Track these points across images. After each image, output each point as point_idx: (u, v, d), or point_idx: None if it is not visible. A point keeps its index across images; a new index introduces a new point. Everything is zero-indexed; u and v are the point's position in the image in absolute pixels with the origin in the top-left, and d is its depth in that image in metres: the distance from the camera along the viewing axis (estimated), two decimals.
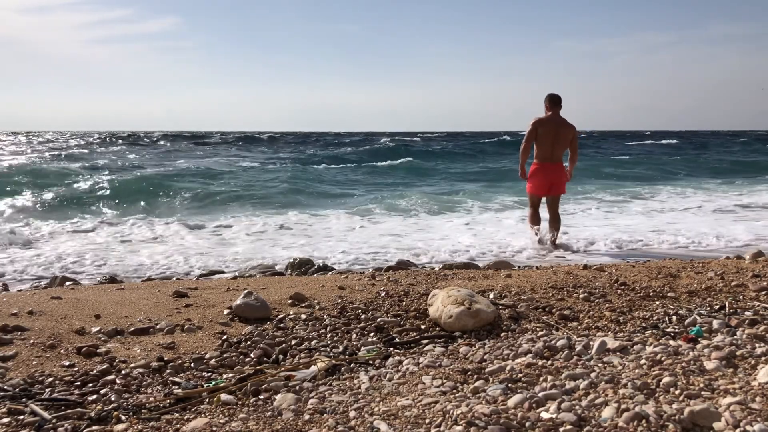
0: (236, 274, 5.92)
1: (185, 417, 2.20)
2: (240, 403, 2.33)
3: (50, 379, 2.55)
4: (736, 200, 12.96)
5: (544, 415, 1.90)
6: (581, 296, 3.71)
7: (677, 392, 2.02)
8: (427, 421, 1.97)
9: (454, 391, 2.26)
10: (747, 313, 3.17)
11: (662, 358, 2.35)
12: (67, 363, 2.72)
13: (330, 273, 5.65)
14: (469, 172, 21.58)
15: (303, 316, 3.45)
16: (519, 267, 5.67)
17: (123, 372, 2.64)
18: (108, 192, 14.23)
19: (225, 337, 3.13)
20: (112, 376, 2.58)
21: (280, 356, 2.89)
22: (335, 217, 10.75)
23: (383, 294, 3.89)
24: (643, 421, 1.80)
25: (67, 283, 5.26)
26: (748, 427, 1.72)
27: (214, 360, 2.83)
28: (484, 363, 2.57)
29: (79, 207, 12.38)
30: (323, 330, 3.24)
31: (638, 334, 2.88)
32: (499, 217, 10.67)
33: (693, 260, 5.16)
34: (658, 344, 2.60)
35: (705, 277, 4.08)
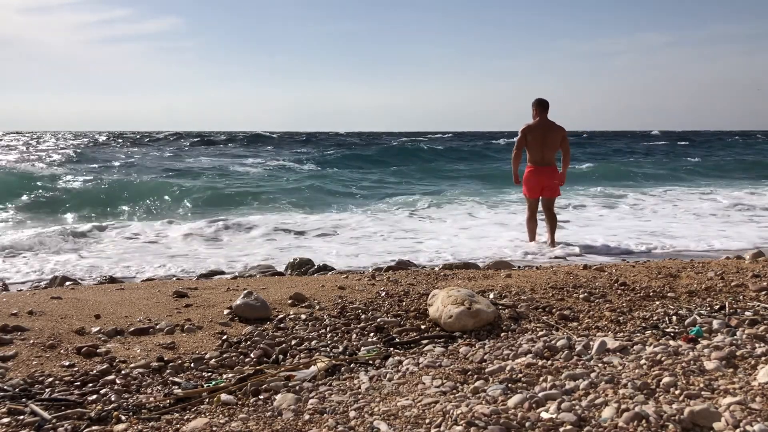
0: (236, 274, 5.92)
1: (185, 417, 2.20)
2: (240, 403, 2.33)
3: (50, 379, 2.55)
4: None
5: (544, 415, 1.90)
6: (581, 296, 3.71)
7: (677, 392, 2.02)
8: (427, 421, 1.97)
9: (454, 391, 2.26)
10: (747, 313, 3.17)
11: (662, 358, 2.35)
12: (67, 363, 2.72)
13: (330, 273, 5.65)
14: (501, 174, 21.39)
15: (303, 316, 3.45)
16: (519, 267, 5.67)
17: (123, 372, 2.64)
18: (180, 192, 14.14)
19: (225, 337, 3.13)
20: (112, 376, 2.58)
21: (280, 356, 2.89)
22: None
23: (383, 294, 3.89)
24: (643, 421, 1.80)
25: (67, 283, 5.26)
26: (748, 427, 1.72)
27: (214, 360, 2.83)
28: (484, 363, 2.57)
29: (172, 209, 12.47)
30: (323, 330, 3.24)
31: (638, 334, 2.88)
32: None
33: (693, 260, 5.16)
34: (658, 344, 2.60)
35: (705, 277, 4.08)
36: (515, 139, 7.53)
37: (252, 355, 2.90)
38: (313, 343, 3.06)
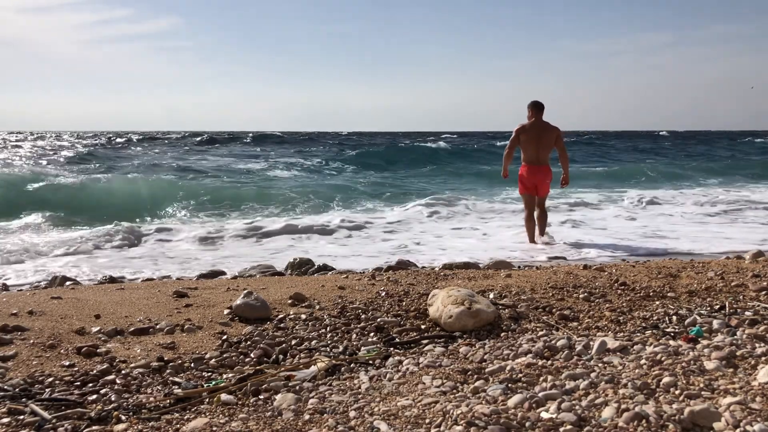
0: (236, 273, 5.92)
1: (185, 417, 2.20)
2: (240, 403, 2.33)
3: (50, 379, 2.55)
4: None
5: (544, 415, 1.90)
6: (581, 296, 3.71)
7: (677, 392, 2.02)
8: (427, 421, 1.97)
9: (454, 391, 2.26)
10: (747, 313, 3.17)
11: (662, 358, 2.35)
12: (67, 363, 2.72)
13: (330, 273, 5.65)
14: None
15: (303, 316, 3.45)
16: (519, 267, 5.67)
17: (123, 372, 2.64)
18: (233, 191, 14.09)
19: (225, 337, 3.13)
20: (112, 376, 2.58)
21: (280, 356, 2.89)
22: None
23: (383, 294, 3.89)
24: (643, 421, 1.80)
25: (67, 282, 5.26)
26: (748, 427, 1.72)
27: (214, 360, 2.83)
28: (484, 363, 2.57)
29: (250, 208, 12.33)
30: (323, 330, 3.24)
31: (638, 334, 2.88)
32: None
33: (693, 260, 5.16)
34: (658, 344, 2.60)
35: (705, 277, 4.08)
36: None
37: (252, 355, 2.90)
38: (313, 343, 3.06)
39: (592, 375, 2.24)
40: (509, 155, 7.72)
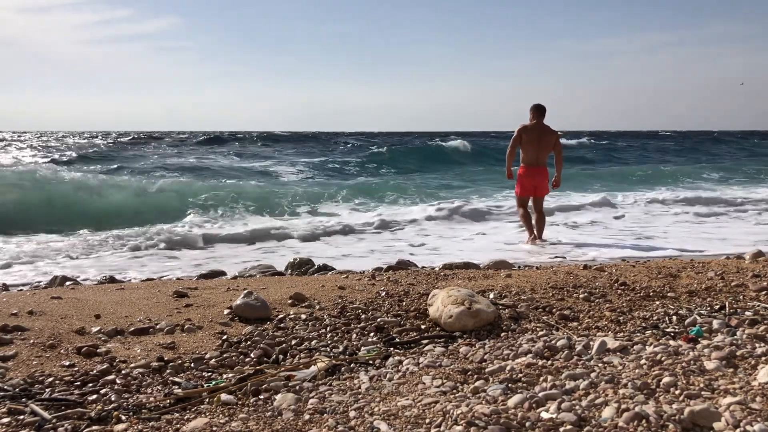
0: (236, 273, 5.92)
1: (185, 417, 2.20)
2: (240, 403, 2.33)
3: (50, 379, 2.55)
4: None
5: (544, 415, 1.90)
6: (581, 296, 3.71)
7: (677, 392, 2.02)
8: (427, 421, 1.97)
9: (454, 391, 2.26)
10: (747, 313, 3.17)
11: (662, 358, 2.35)
12: (67, 363, 2.72)
13: (330, 273, 5.65)
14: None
15: (303, 316, 3.45)
16: (519, 267, 5.67)
17: (123, 372, 2.64)
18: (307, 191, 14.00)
19: (225, 337, 3.13)
20: (112, 376, 2.58)
21: (280, 356, 2.89)
22: None
23: (383, 294, 3.89)
24: (643, 421, 1.80)
25: (67, 282, 5.26)
26: (748, 427, 1.72)
27: (214, 360, 2.83)
28: (484, 363, 2.57)
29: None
30: (323, 330, 3.24)
31: (638, 334, 2.88)
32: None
33: (693, 260, 5.16)
34: (658, 344, 2.60)
35: (705, 277, 4.08)
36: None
37: (252, 355, 2.90)
38: (313, 343, 3.06)
39: (592, 375, 2.24)
40: (512, 154, 7.88)
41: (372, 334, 3.18)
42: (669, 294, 3.72)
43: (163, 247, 8.07)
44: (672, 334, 2.88)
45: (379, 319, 3.37)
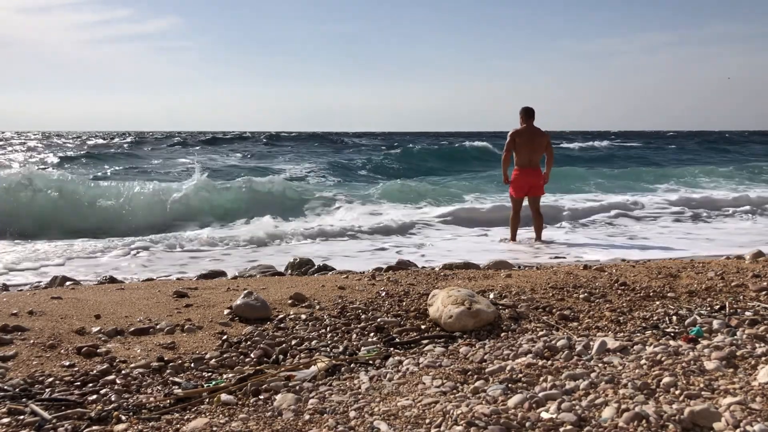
0: (236, 273, 5.92)
1: (185, 417, 2.20)
2: (240, 403, 2.33)
3: (50, 379, 2.55)
4: None
5: (544, 415, 1.90)
6: (581, 296, 3.71)
7: (677, 392, 2.02)
8: (427, 421, 1.97)
9: (454, 391, 2.26)
10: (747, 313, 3.17)
11: (662, 359, 2.35)
12: (67, 363, 2.72)
13: (330, 273, 5.64)
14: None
15: (303, 316, 3.45)
16: (519, 267, 5.67)
17: (123, 372, 2.64)
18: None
19: (225, 337, 3.13)
20: (112, 376, 2.58)
21: (280, 356, 2.89)
22: None
23: (383, 294, 3.89)
24: (644, 421, 1.80)
25: (68, 283, 5.26)
26: (748, 428, 1.72)
27: (214, 360, 2.83)
28: (484, 363, 2.57)
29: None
30: (323, 330, 3.24)
31: (638, 335, 2.88)
32: None
33: (693, 260, 5.16)
34: (658, 344, 2.60)
35: (705, 277, 4.08)
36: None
37: (252, 355, 2.90)
38: (314, 343, 3.06)
39: (592, 375, 2.24)
40: (507, 159, 8.07)
41: (372, 334, 3.18)
42: (669, 294, 3.72)
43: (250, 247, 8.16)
44: (672, 334, 2.88)
45: (379, 319, 3.37)
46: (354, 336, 3.15)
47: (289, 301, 3.74)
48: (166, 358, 2.80)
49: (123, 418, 2.20)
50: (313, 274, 5.63)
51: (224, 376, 2.66)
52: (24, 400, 2.34)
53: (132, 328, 3.20)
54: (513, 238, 8.12)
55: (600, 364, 2.40)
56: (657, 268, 4.47)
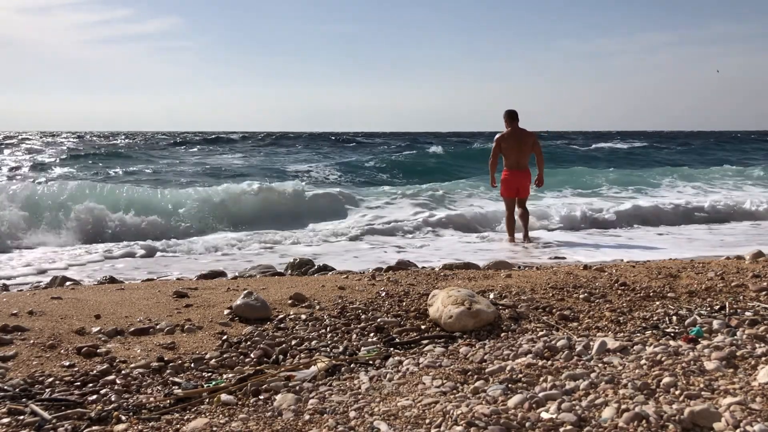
0: (236, 274, 5.92)
1: (185, 417, 2.20)
2: (240, 403, 2.33)
3: (50, 379, 2.55)
4: None
5: (544, 416, 1.90)
6: (581, 296, 3.71)
7: (677, 392, 2.02)
8: (427, 421, 1.97)
9: (454, 391, 2.26)
10: (747, 313, 3.17)
11: (662, 359, 2.35)
12: (67, 363, 2.72)
13: (330, 273, 5.64)
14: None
15: (303, 317, 3.45)
16: (519, 267, 5.66)
17: (123, 372, 2.64)
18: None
19: (225, 337, 3.13)
20: (112, 377, 2.58)
21: (280, 356, 2.89)
22: None
23: (383, 294, 3.89)
24: (644, 421, 1.80)
25: (67, 283, 5.26)
26: (748, 428, 1.72)
27: (214, 360, 2.83)
28: (484, 363, 2.57)
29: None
30: (323, 330, 3.24)
31: (638, 335, 2.88)
32: None
33: (693, 260, 5.16)
34: (658, 344, 2.60)
35: (705, 278, 4.08)
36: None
37: (252, 356, 2.90)
38: (314, 343, 3.06)
39: (592, 375, 2.24)
40: (494, 164, 8.31)
41: (372, 334, 3.18)
42: (669, 294, 3.72)
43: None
44: (672, 334, 2.88)
45: (379, 320, 3.37)
46: (354, 336, 3.15)
47: (289, 301, 3.74)
48: (166, 358, 2.80)
49: (123, 418, 2.20)
50: (313, 274, 5.63)
51: (224, 376, 2.66)
52: (24, 400, 2.34)
53: (132, 328, 3.20)
54: (511, 237, 8.32)
55: (600, 365, 2.40)
56: (657, 269, 4.47)
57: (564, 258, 6.83)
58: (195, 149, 32.50)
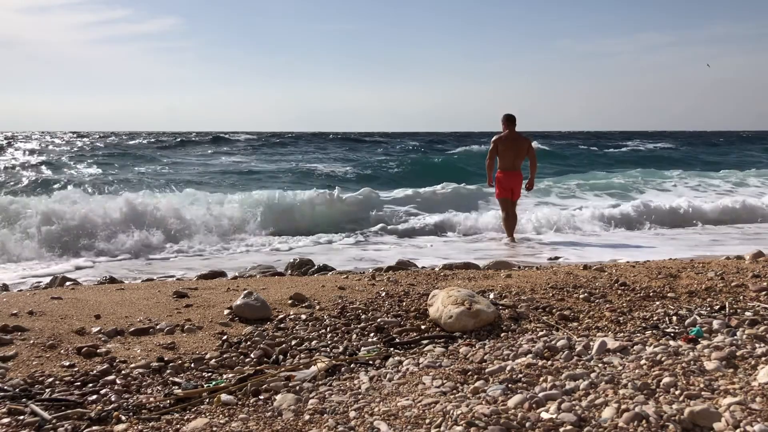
0: (236, 274, 5.92)
1: (185, 417, 2.20)
2: (240, 403, 2.33)
3: (50, 380, 2.55)
4: None
5: (544, 416, 1.90)
6: (581, 296, 3.71)
7: (677, 392, 2.02)
8: (427, 421, 1.97)
9: (454, 391, 2.26)
10: (747, 313, 3.17)
11: (662, 359, 2.35)
12: (67, 363, 2.72)
13: (330, 273, 5.64)
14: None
15: (303, 317, 3.45)
16: (519, 267, 5.66)
17: (123, 372, 2.64)
18: None
19: (225, 337, 3.13)
20: (112, 377, 2.58)
21: (280, 356, 2.89)
22: None
23: (383, 294, 3.89)
24: (644, 421, 1.80)
25: (67, 283, 5.26)
26: (748, 428, 1.72)
27: (214, 360, 2.83)
28: (484, 363, 2.57)
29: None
30: (323, 330, 3.24)
31: (638, 335, 2.87)
32: None
33: (693, 260, 5.16)
34: (658, 344, 2.60)
35: (705, 278, 4.08)
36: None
37: (252, 356, 2.90)
38: (314, 343, 3.06)
39: (592, 375, 2.24)
40: (491, 165, 8.61)
41: (372, 334, 3.18)
42: (669, 294, 3.72)
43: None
44: (672, 334, 2.87)
45: (379, 320, 3.37)
46: (354, 336, 3.15)
47: (289, 302, 3.75)
48: (166, 359, 2.80)
49: (123, 418, 2.20)
50: (313, 275, 5.63)
51: (224, 376, 2.66)
52: (24, 400, 2.34)
53: (132, 329, 3.20)
54: (510, 236, 8.58)
55: (600, 365, 2.40)
56: (657, 269, 4.47)
57: (563, 258, 6.83)
58: (210, 150, 32.13)
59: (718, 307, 3.36)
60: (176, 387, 2.53)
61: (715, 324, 2.94)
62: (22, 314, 3.36)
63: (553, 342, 2.74)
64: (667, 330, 2.96)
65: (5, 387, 2.43)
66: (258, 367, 2.73)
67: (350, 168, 21.22)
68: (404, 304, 3.67)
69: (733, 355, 2.35)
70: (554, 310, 3.44)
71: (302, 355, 2.89)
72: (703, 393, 2.00)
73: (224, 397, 2.36)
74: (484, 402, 2.07)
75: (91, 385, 2.52)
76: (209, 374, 2.69)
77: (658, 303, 3.54)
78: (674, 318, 3.18)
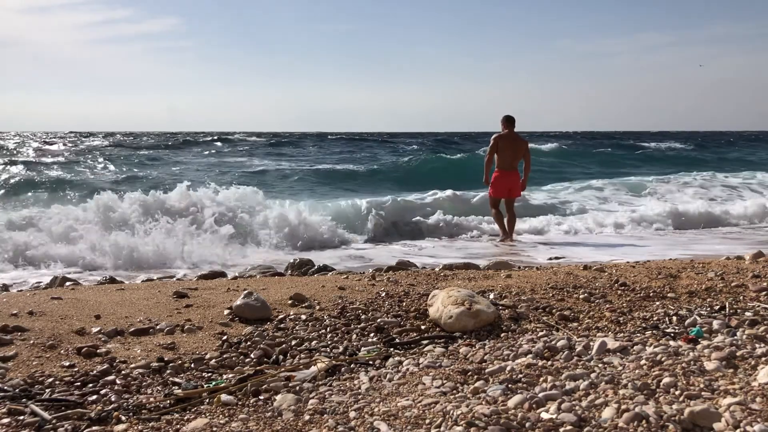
0: (236, 274, 5.92)
1: (185, 417, 2.20)
2: (240, 403, 2.33)
3: (50, 380, 2.55)
4: None
5: (545, 416, 1.90)
6: (581, 297, 3.71)
7: (677, 393, 2.02)
8: (428, 421, 1.97)
9: (455, 391, 2.26)
10: (747, 313, 3.17)
11: (662, 359, 2.35)
12: (67, 363, 2.72)
13: (330, 273, 5.64)
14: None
15: (303, 317, 3.45)
16: (519, 267, 5.66)
17: (123, 372, 2.64)
18: None
19: (225, 337, 3.13)
20: (112, 377, 2.58)
21: (280, 357, 2.89)
22: None
23: (383, 294, 3.89)
24: (644, 421, 1.80)
25: (67, 283, 5.26)
26: (748, 428, 1.72)
27: (214, 360, 2.83)
28: (484, 363, 2.57)
29: None
30: (323, 330, 3.24)
31: (638, 335, 2.87)
32: None
33: (693, 260, 5.15)
34: (658, 345, 2.60)
35: (705, 278, 4.08)
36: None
37: (252, 356, 2.90)
38: (314, 343, 3.06)
39: (592, 375, 2.24)
40: (490, 162, 8.71)
41: (372, 334, 3.18)
42: (669, 294, 3.72)
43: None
44: (672, 334, 2.87)
45: (379, 320, 3.37)
46: (354, 336, 3.15)
47: (289, 302, 3.74)
48: (166, 359, 2.80)
49: (123, 418, 2.20)
50: (313, 275, 5.63)
51: (224, 376, 2.66)
52: (24, 400, 2.34)
53: (132, 329, 3.20)
54: (504, 232, 8.65)
55: (600, 365, 2.40)
56: (657, 269, 4.47)
57: (563, 258, 6.83)
58: (226, 150, 31.98)
59: (718, 307, 3.36)
60: (176, 387, 2.53)
61: (715, 324, 2.94)
62: (22, 314, 3.36)
63: (553, 342, 2.74)
64: (667, 330, 2.96)
65: (5, 387, 2.43)
66: (258, 368, 2.73)
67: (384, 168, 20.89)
68: (404, 304, 3.67)
69: (733, 355, 2.35)
70: (554, 311, 3.44)
71: (302, 356, 2.89)
72: (703, 393, 2.00)
73: (224, 397, 2.36)
74: (484, 402, 2.07)
75: (91, 385, 2.52)
76: (209, 374, 2.69)
77: (658, 303, 3.54)
78: (674, 318, 3.18)
